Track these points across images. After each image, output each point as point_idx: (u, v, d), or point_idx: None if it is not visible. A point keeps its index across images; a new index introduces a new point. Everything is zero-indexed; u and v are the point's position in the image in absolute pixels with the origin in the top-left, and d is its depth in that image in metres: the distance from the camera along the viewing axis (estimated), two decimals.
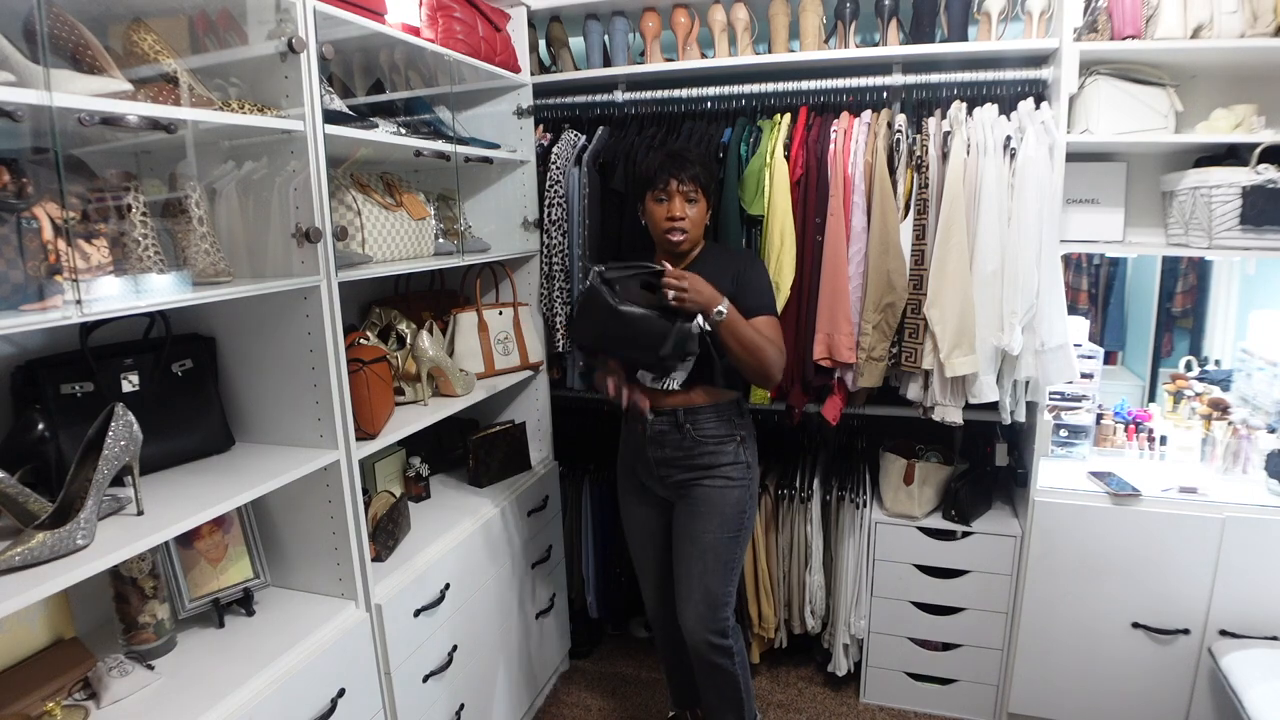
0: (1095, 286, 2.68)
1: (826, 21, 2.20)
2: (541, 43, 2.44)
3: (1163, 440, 2.21)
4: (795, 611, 2.37)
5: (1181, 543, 1.94)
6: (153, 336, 1.44)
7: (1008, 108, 2.00)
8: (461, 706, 1.82)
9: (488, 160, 2.09)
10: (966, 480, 2.17)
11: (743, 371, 1.70)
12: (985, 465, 2.28)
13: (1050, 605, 2.08)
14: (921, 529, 2.18)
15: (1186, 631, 1.98)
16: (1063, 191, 1.94)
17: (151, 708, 1.19)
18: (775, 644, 2.43)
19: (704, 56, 2.33)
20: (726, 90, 2.20)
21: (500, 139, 2.16)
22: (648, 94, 2.31)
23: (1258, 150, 1.81)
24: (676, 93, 2.26)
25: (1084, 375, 2.23)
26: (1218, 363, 2.45)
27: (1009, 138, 1.90)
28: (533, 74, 2.24)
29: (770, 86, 2.17)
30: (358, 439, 1.51)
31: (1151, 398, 2.54)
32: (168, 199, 1.29)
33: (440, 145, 1.82)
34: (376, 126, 1.58)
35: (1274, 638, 1.90)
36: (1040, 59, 2.05)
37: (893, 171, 2.00)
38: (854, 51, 2.12)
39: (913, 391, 2.06)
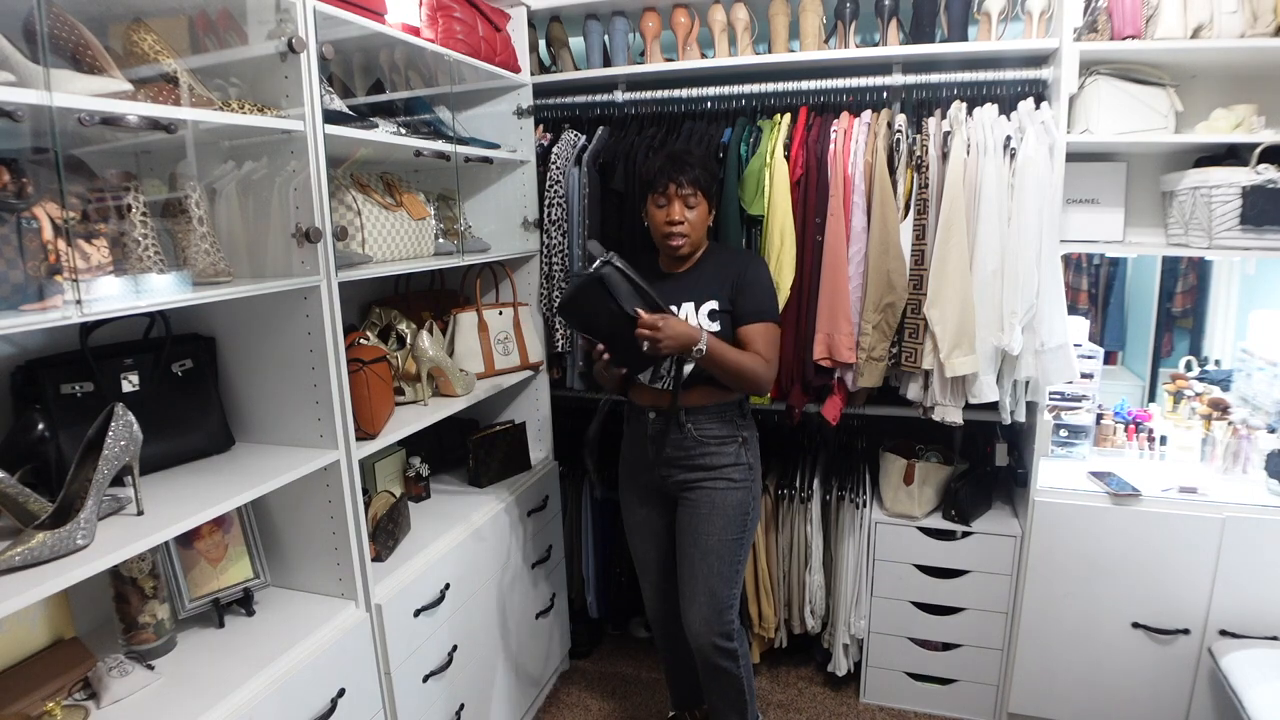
0: (1095, 286, 2.68)
1: (826, 21, 2.20)
2: (541, 43, 2.44)
3: (1163, 440, 2.21)
4: (795, 611, 2.37)
5: (1181, 543, 1.94)
6: (153, 336, 1.44)
7: (1008, 108, 2.00)
8: (461, 706, 1.82)
9: (488, 160, 2.09)
10: (966, 480, 2.17)
11: (729, 386, 1.72)
12: (985, 465, 2.28)
13: (1050, 605, 2.08)
14: (921, 529, 2.18)
15: (1186, 631, 1.98)
16: (1063, 191, 1.94)
17: (151, 708, 1.19)
18: (775, 644, 2.43)
19: (704, 56, 2.33)
20: (726, 90, 2.20)
21: (500, 139, 2.16)
22: (648, 94, 2.31)
23: (1258, 150, 1.81)
24: (676, 93, 2.26)
25: (1084, 375, 2.23)
26: (1218, 363, 2.45)
27: (1009, 138, 1.90)
28: (533, 74, 2.24)
29: (770, 86, 2.17)
30: (358, 439, 1.51)
31: (1151, 398, 2.54)
32: (168, 199, 1.29)
33: (440, 145, 1.82)
34: (376, 126, 1.58)
35: (1274, 638, 1.90)
36: (1040, 59, 2.05)
37: (893, 171, 2.00)
38: (854, 51, 2.12)
39: (913, 391, 2.06)
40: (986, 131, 1.92)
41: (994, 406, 2.03)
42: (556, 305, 1.92)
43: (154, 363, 1.38)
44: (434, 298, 2.26)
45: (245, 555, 1.48)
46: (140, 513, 1.18)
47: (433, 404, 1.89)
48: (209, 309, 1.47)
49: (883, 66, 2.14)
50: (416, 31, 1.74)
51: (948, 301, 1.94)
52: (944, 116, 1.99)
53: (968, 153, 1.93)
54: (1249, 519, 1.90)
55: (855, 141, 2.02)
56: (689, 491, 1.79)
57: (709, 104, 2.26)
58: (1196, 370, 2.39)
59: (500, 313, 2.19)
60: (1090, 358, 2.28)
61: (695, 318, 1.72)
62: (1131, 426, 2.25)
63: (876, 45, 2.19)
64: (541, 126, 2.38)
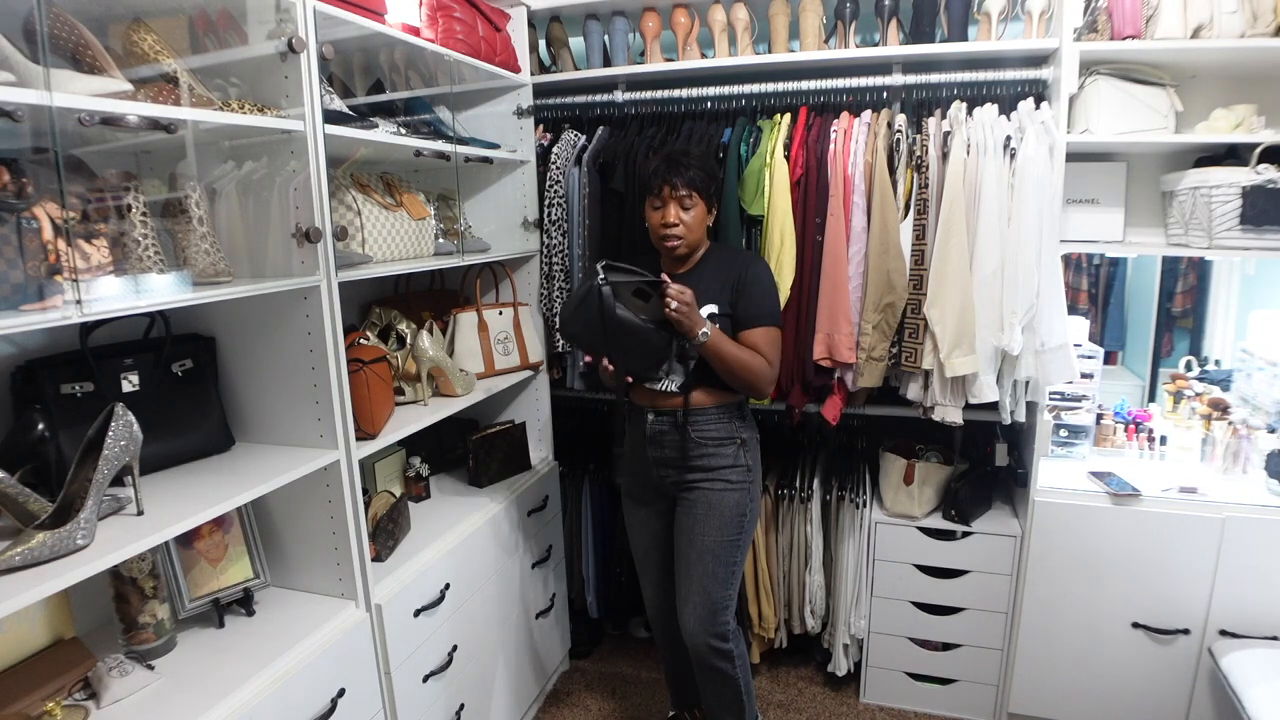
0: (1095, 286, 2.68)
1: (826, 21, 2.20)
2: (541, 43, 2.44)
3: (1163, 440, 2.21)
4: (795, 611, 2.37)
5: (1181, 543, 1.94)
6: (153, 336, 1.44)
7: (1008, 108, 2.00)
8: (461, 706, 1.82)
9: (488, 160, 2.09)
10: (966, 480, 2.17)
11: (728, 384, 1.72)
12: (985, 465, 2.28)
13: (1050, 605, 2.08)
14: (921, 529, 2.18)
15: (1186, 631, 1.98)
16: (1063, 191, 1.94)
17: (151, 708, 1.19)
18: (775, 644, 2.43)
19: (704, 56, 2.33)
20: (726, 90, 2.20)
21: (500, 139, 2.16)
22: (648, 94, 2.31)
23: (1258, 150, 1.81)
24: (676, 93, 2.26)
25: (1084, 375, 2.23)
26: (1218, 363, 2.45)
27: (1009, 138, 1.90)
28: (533, 74, 2.24)
29: (770, 86, 2.17)
30: (358, 439, 1.51)
31: (1151, 398, 2.54)
32: (168, 199, 1.29)
33: (440, 145, 1.82)
34: (376, 126, 1.58)
35: (1274, 638, 1.90)
36: (1040, 59, 2.05)
37: (893, 171, 2.00)
38: (854, 51, 2.12)
39: (913, 391, 2.06)
40: (986, 131, 1.92)
41: (994, 406, 2.03)
42: (559, 324, 1.92)
43: (154, 363, 1.38)
44: (434, 298, 2.26)
45: (245, 555, 1.49)
46: (140, 513, 1.18)
47: (433, 404, 1.89)
48: (209, 309, 1.47)
49: (883, 66, 2.14)
50: (416, 31, 1.74)
51: (948, 301, 1.94)
52: (944, 116, 1.99)
53: (968, 153, 1.93)
54: (1249, 519, 1.90)
55: (855, 141, 2.02)
56: (687, 492, 1.79)
57: (709, 104, 2.26)
58: (1196, 370, 2.39)
59: (500, 313, 2.19)
60: (1090, 358, 2.28)
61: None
62: (1131, 426, 2.25)
63: (876, 45, 2.19)
64: (541, 126, 2.38)
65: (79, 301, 1.01)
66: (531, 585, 2.20)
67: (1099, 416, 2.27)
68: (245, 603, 1.46)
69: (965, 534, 2.15)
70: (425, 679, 1.68)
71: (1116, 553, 2.00)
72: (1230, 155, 1.97)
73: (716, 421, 1.76)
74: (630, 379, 1.77)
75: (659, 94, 2.29)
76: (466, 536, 1.86)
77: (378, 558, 1.66)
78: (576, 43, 2.47)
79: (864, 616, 2.28)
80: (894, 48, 2.12)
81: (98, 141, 1.24)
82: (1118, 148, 2.06)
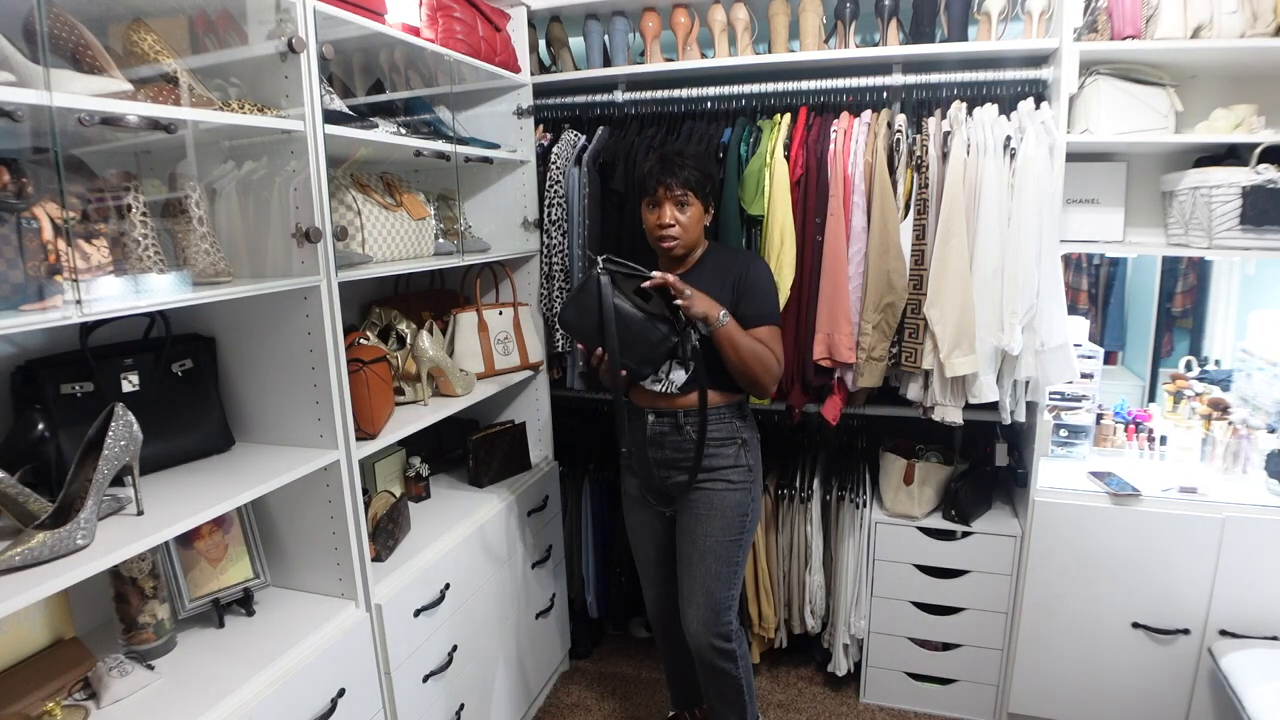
0: (1095, 286, 2.68)
1: (826, 21, 2.20)
2: (541, 43, 2.44)
3: (1163, 440, 2.21)
4: (795, 611, 2.37)
5: (1181, 543, 1.94)
6: (153, 336, 1.44)
7: (1008, 108, 2.00)
8: (461, 706, 1.82)
9: (488, 160, 2.09)
10: (966, 480, 2.17)
11: (735, 378, 1.71)
12: (985, 465, 2.28)
13: (1050, 605, 2.08)
14: (921, 529, 2.18)
15: (1186, 631, 1.98)
16: (1063, 191, 1.94)
17: (151, 708, 1.19)
18: (775, 644, 2.43)
19: (704, 56, 2.33)
20: (726, 90, 2.20)
21: (500, 139, 2.16)
22: (648, 94, 2.31)
23: (1258, 150, 1.81)
24: (676, 93, 2.26)
25: (1084, 375, 2.23)
26: (1218, 363, 2.45)
27: (1009, 138, 1.90)
28: (533, 74, 2.24)
29: (770, 86, 2.16)
30: (358, 439, 1.51)
31: (1151, 398, 2.54)
32: (168, 199, 1.29)
33: (440, 145, 1.82)
34: (376, 126, 1.58)
35: (1274, 638, 1.90)
36: (1040, 59, 2.05)
37: (893, 171, 2.00)
38: (854, 51, 2.12)
39: (913, 391, 2.06)
40: (986, 131, 1.92)
41: (994, 406, 2.03)
42: (558, 315, 1.89)
43: (154, 363, 1.38)
44: (434, 298, 2.26)
45: (245, 555, 1.49)
46: (140, 513, 1.18)
47: (433, 404, 1.89)
48: (209, 309, 1.47)
49: (883, 66, 2.14)
50: (416, 31, 1.74)
51: (948, 301, 1.94)
52: (944, 116, 1.99)
53: (968, 153, 1.93)
54: (1249, 519, 1.90)
55: (855, 141, 2.02)
56: (688, 492, 1.78)
57: (709, 104, 2.26)
58: (1196, 370, 2.39)
59: (500, 313, 2.19)
60: (1090, 358, 2.28)
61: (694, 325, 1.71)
62: (1131, 426, 2.25)
63: (876, 45, 2.19)
64: (541, 126, 2.38)
65: (79, 301, 1.01)
66: (531, 585, 2.20)
67: (1099, 416, 2.27)
68: (245, 603, 1.46)
69: (965, 534, 2.15)
70: (425, 679, 1.68)
71: (1116, 553, 2.00)
72: (1230, 155, 1.97)
73: (718, 421, 1.75)
74: (626, 374, 1.76)
75: (659, 94, 2.29)
76: (466, 536, 1.86)
77: (378, 558, 1.66)
78: (576, 43, 2.47)
79: (864, 616, 2.28)
80: (894, 48, 2.12)
81: (98, 141, 1.24)
82: (1118, 148, 2.06)
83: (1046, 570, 2.06)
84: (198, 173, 1.31)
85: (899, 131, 2.01)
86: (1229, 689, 1.78)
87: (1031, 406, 2.06)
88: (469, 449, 2.13)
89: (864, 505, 2.25)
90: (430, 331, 1.90)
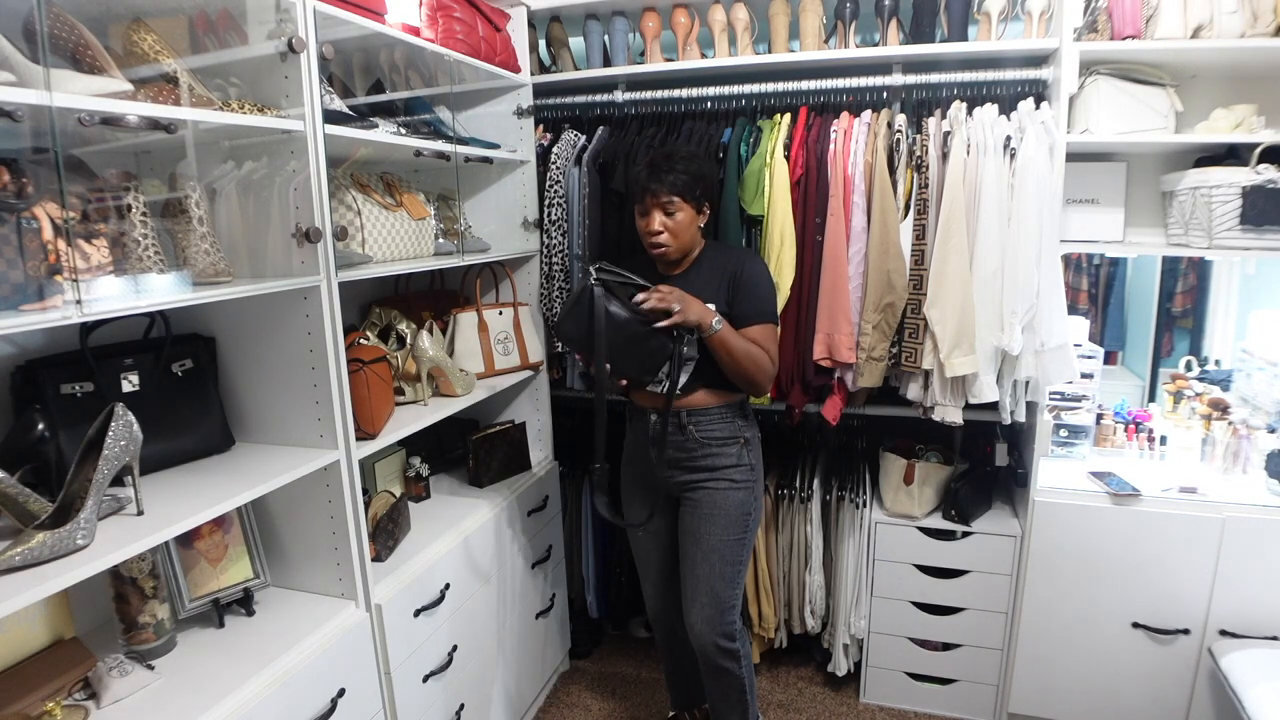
0: (1095, 286, 2.68)
1: (826, 21, 2.20)
2: (541, 43, 2.44)
3: (1163, 440, 2.21)
4: (795, 611, 2.37)
5: (1181, 543, 1.94)
6: (153, 336, 1.44)
7: (1008, 108, 2.00)
8: (461, 706, 1.82)
9: (488, 160, 2.09)
10: (966, 480, 2.17)
11: (730, 379, 1.71)
12: (985, 465, 2.28)
13: (1050, 605, 2.08)
14: (921, 529, 2.18)
15: (1186, 631, 1.98)
16: (1063, 191, 1.94)
17: (151, 708, 1.19)
18: (775, 644, 2.43)
19: (704, 56, 2.33)
20: (726, 90, 2.20)
21: (500, 139, 2.16)
22: (648, 94, 2.31)
23: (1258, 150, 1.81)
24: (676, 93, 2.26)
25: (1084, 375, 2.23)
26: (1218, 363, 2.45)
27: (1009, 138, 1.90)
28: (533, 74, 2.24)
29: (770, 86, 2.16)
30: (358, 439, 1.51)
31: (1151, 398, 2.54)
32: (168, 199, 1.29)
33: (440, 145, 1.82)
34: (376, 126, 1.58)
35: (1274, 638, 1.90)
36: (1040, 59, 2.05)
37: (893, 171, 2.00)
38: (854, 51, 2.12)
39: (913, 391, 2.06)
40: (986, 131, 1.92)
41: (994, 406, 2.03)
42: (555, 326, 1.86)
43: (154, 363, 1.38)
44: (434, 298, 2.26)
45: (245, 555, 1.49)
46: (140, 513, 1.18)
47: (433, 404, 1.89)
48: (209, 309, 1.47)
49: (883, 66, 2.14)
50: (416, 31, 1.74)
51: (947, 301, 1.94)
52: (944, 116, 1.99)
53: (968, 153, 1.92)
54: (1249, 519, 1.90)
55: (855, 141, 2.02)
56: (691, 492, 1.79)
57: (709, 104, 2.26)
58: (1196, 370, 2.39)
59: (500, 313, 2.19)
60: (1090, 358, 2.28)
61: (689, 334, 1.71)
62: (1131, 426, 2.25)
63: (876, 45, 2.19)
64: (541, 126, 2.38)
65: (79, 301, 1.01)
66: (531, 585, 2.20)
67: (1099, 416, 2.27)
68: (245, 603, 1.46)
69: (965, 534, 2.15)
70: (425, 679, 1.68)
71: (1116, 553, 2.00)
72: (1230, 155, 1.97)
73: (719, 421, 1.76)
74: (625, 382, 1.76)
75: (659, 94, 2.29)
76: (466, 536, 1.86)
77: (378, 558, 1.66)
78: (576, 43, 2.47)
79: (864, 616, 2.28)
80: (894, 48, 2.12)
81: (98, 141, 1.24)
82: (1118, 148, 2.06)
83: (1046, 570, 2.06)
84: (198, 173, 1.31)
85: (899, 131, 2.01)
86: (1229, 689, 1.78)
87: (1031, 406, 2.06)
88: (469, 449, 2.13)
89: (864, 505, 2.25)
90: (430, 331, 1.90)
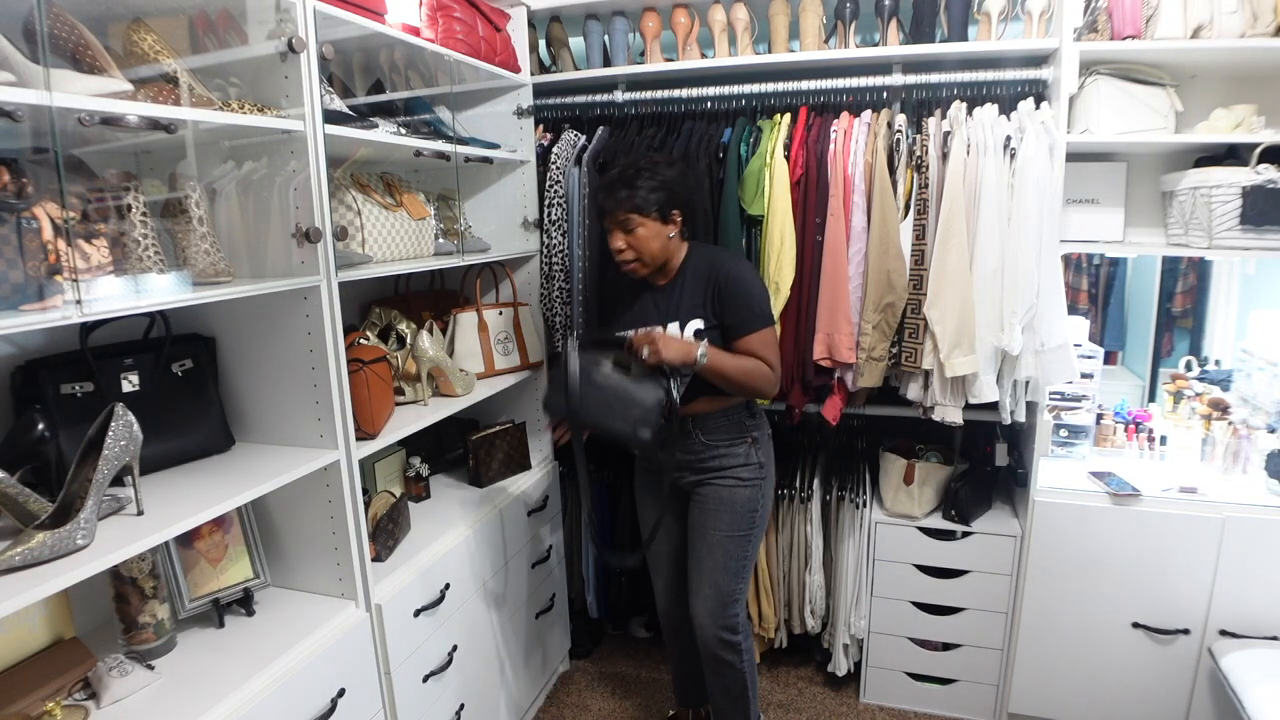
0: (1095, 286, 2.68)
1: (826, 21, 2.20)
2: (541, 43, 2.44)
3: (1163, 440, 2.21)
4: (795, 611, 2.37)
5: (1181, 543, 1.94)
6: (153, 336, 1.44)
7: (1008, 108, 2.00)
8: (461, 706, 1.82)
9: (488, 160, 2.09)
10: (966, 480, 2.17)
11: (733, 395, 1.72)
12: (985, 465, 2.28)
13: (1050, 605, 2.08)
14: (921, 529, 2.18)
15: (1186, 631, 1.98)
16: (1063, 191, 1.94)
17: (151, 708, 1.19)
18: (775, 644, 2.43)
19: (704, 56, 2.33)
20: (726, 90, 2.20)
21: (500, 139, 2.16)
22: (648, 94, 2.31)
23: (1258, 150, 1.81)
24: (676, 93, 2.26)
25: (1084, 375, 2.23)
26: (1218, 363, 2.45)
27: (1009, 138, 1.90)
28: (533, 74, 2.24)
29: (770, 86, 2.16)
30: (358, 439, 1.51)
31: (1151, 398, 2.54)
32: (168, 199, 1.29)
33: (440, 145, 1.82)
34: (376, 126, 1.58)
35: (1274, 638, 1.90)
36: (1040, 59, 2.05)
37: (893, 171, 2.00)
38: (854, 51, 2.12)
39: (913, 391, 2.06)
40: (986, 131, 1.92)
41: (994, 406, 2.03)
42: (543, 403, 1.80)
43: (154, 363, 1.38)
44: (434, 298, 2.26)
45: (245, 555, 1.49)
46: (140, 513, 1.18)
47: (433, 404, 1.89)
48: (209, 309, 1.47)
49: (883, 66, 2.14)
50: (416, 31, 1.74)
51: (947, 301, 1.94)
52: (944, 116, 1.99)
53: (968, 153, 1.92)
54: (1249, 519, 1.90)
55: (855, 141, 2.02)
56: (700, 489, 1.80)
57: (709, 104, 2.26)
58: (1196, 370, 2.39)
59: (500, 313, 2.19)
60: (1090, 358, 2.28)
61: (682, 339, 1.70)
62: (1131, 426, 2.25)
63: (876, 45, 2.19)
64: (541, 126, 2.38)
65: (79, 301, 1.01)
66: (531, 585, 2.20)
67: (1099, 416, 2.27)
68: (245, 603, 1.46)
69: (965, 534, 2.15)
70: (425, 679, 1.68)
71: (1116, 553, 2.00)
72: (1230, 155, 1.97)
73: (725, 423, 1.76)
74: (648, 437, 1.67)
75: (659, 94, 2.29)
76: (466, 536, 1.86)
77: (378, 558, 1.66)
78: (576, 43, 2.47)
79: (864, 616, 2.28)
80: (894, 48, 2.12)
81: (98, 141, 1.24)
82: (1118, 148, 2.06)
83: (1046, 570, 2.06)
84: (198, 173, 1.31)
85: (899, 131, 2.01)
86: (1229, 689, 1.78)
87: (1031, 406, 2.06)
88: (469, 449, 2.13)
89: (864, 505, 2.25)
90: (430, 331, 1.90)
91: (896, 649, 2.28)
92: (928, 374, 2.02)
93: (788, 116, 2.12)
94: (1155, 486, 2.01)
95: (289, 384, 1.46)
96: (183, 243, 1.27)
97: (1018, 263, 1.90)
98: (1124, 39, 1.86)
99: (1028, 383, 2.01)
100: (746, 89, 2.18)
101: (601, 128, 2.29)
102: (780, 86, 2.16)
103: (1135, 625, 2.02)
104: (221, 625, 1.42)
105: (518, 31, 2.16)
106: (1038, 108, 1.94)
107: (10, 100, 0.93)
